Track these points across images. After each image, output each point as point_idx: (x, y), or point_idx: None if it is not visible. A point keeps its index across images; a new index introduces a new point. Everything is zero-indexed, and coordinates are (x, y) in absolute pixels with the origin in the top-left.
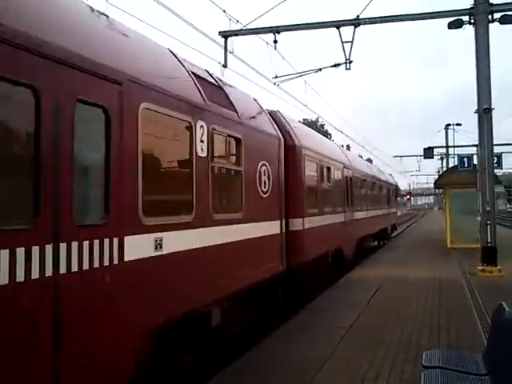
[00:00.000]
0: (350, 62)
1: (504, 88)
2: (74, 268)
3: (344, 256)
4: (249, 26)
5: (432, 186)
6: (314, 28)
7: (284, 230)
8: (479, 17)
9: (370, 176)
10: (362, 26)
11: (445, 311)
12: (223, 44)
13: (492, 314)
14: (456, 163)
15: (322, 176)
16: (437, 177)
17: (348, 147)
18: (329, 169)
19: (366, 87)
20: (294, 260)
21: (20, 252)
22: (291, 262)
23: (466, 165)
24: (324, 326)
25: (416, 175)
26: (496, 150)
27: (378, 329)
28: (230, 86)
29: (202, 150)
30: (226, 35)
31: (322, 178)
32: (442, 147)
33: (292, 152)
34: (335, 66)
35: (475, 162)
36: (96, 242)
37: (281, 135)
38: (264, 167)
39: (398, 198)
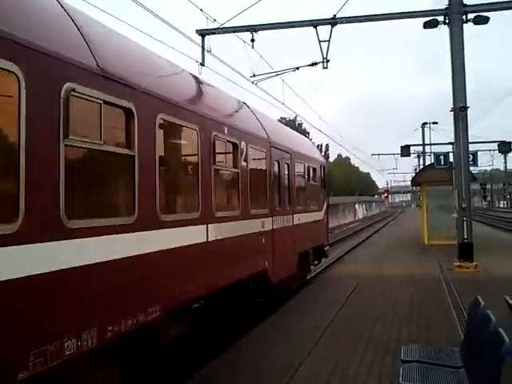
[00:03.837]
0: (328, 60)
1: (480, 87)
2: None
3: None
4: (226, 25)
5: (409, 183)
6: (291, 27)
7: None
8: (453, 17)
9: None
10: (338, 25)
11: (423, 306)
12: (200, 43)
13: (468, 308)
14: (432, 161)
15: None
16: (414, 175)
17: (327, 147)
18: None
19: (354, 87)
20: None
21: None
22: None
23: (442, 163)
24: (302, 324)
25: (393, 173)
26: (471, 147)
27: (357, 325)
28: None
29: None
30: (203, 34)
31: None
32: (419, 145)
33: None
34: (312, 64)
35: (451, 159)
36: None
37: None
38: None
39: (375, 196)
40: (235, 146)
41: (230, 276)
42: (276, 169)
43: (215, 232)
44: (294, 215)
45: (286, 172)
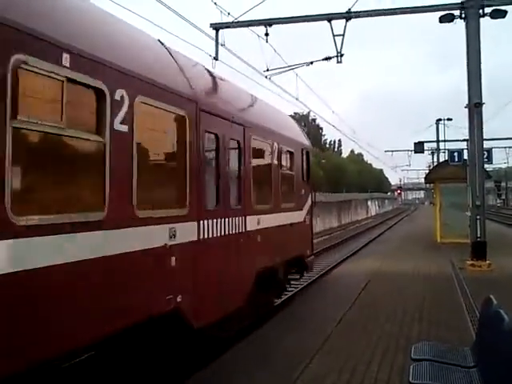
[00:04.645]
0: (342, 55)
1: (496, 83)
2: None
3: None
4: (240, 19)
5: (422, 180)
6: (306, 21)
7: None
8: (470, 11)
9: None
10: (353, 19)
11: (434, 305)
12: (214, 36)
13: (480, 307)
14: (446, 158)
15: None
16: (427, 172)
17: (340, 143)
18: None
19: (368, 83)
20: None
21: None
22: None
23: (456, 159)
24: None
25: (407, 170)
26: (486, 144)
27: (368, 322)
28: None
29: None
30: (217, 27)
31: None
32: (433, 142)
33: None
34: (326, 59)
35: (466, 156)
36: None
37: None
38: None
39: (388, 193)
40: (100, 94)
41: (72, 335)
42: (210, 146)
43: (17, 256)
44: (249, 217)
45: (235, 153)
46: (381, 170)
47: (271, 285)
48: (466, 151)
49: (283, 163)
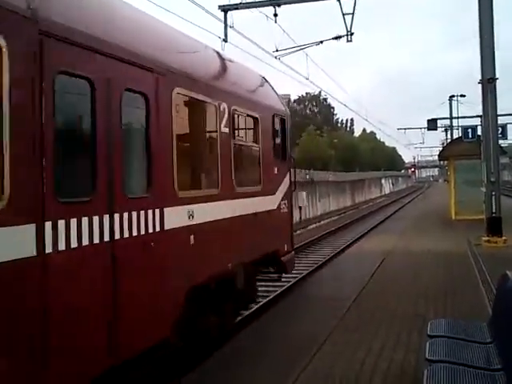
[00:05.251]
0: (352, 34)
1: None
2: None
3: None
4: (248, 0)
5: (436, 158)
6: (315, 0)
7: None
8: None
9: None
10: None
11: (450, 281)
12: (223, 18)
13: (497, 283)
14: (460, 135)
15: None
16: (441, 149)
17: (352, 122)
18: None
19: (379, 61)
20: None
21: None
22: None
23: (470, 136)
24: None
25: (420, 148)
26: (501, 120)
27: (384, 298)
28: None
29: None
30: (225, 9)
31: None
32: (446, 119)
33: None
34: (336, 38)
35: (479, 132)
36: None
37: None
38: None
39: (402, 171)
40: None
41: None
42: (74, 98)
43: None
44: (170, 209)
45: (137, 113)
46: (394, 148)
47: (226, 298)
48: (479, 127)
49: (240, 133)
